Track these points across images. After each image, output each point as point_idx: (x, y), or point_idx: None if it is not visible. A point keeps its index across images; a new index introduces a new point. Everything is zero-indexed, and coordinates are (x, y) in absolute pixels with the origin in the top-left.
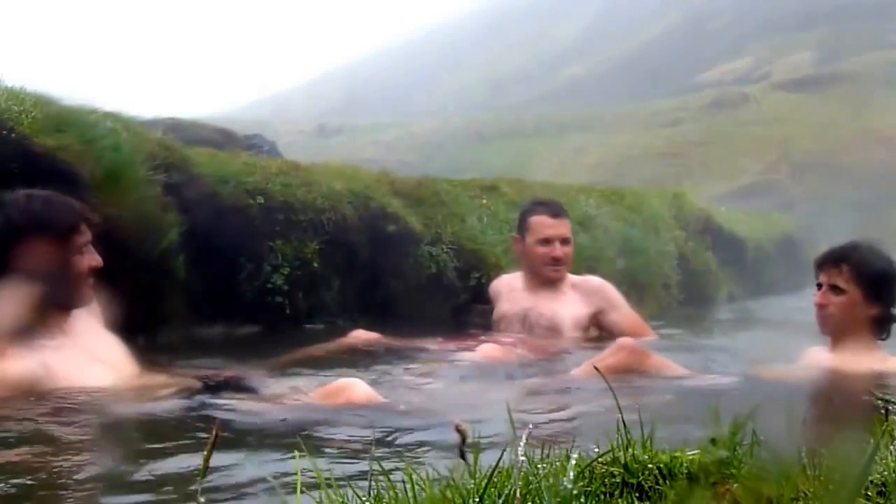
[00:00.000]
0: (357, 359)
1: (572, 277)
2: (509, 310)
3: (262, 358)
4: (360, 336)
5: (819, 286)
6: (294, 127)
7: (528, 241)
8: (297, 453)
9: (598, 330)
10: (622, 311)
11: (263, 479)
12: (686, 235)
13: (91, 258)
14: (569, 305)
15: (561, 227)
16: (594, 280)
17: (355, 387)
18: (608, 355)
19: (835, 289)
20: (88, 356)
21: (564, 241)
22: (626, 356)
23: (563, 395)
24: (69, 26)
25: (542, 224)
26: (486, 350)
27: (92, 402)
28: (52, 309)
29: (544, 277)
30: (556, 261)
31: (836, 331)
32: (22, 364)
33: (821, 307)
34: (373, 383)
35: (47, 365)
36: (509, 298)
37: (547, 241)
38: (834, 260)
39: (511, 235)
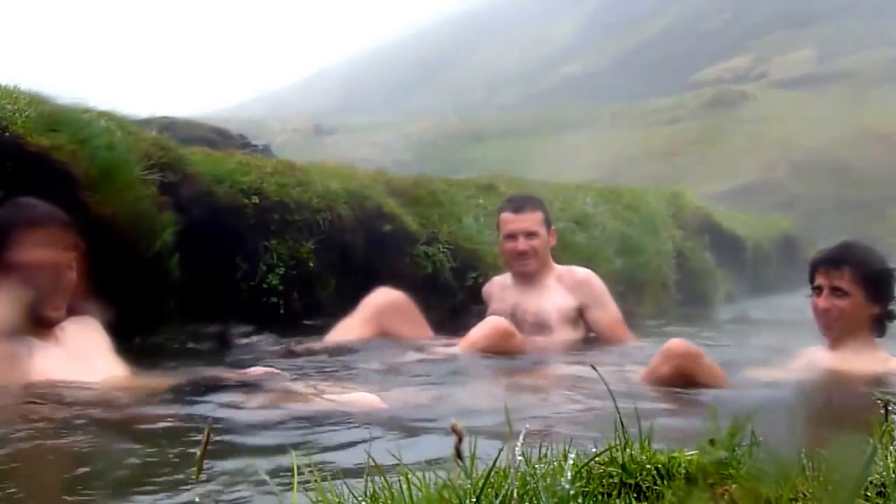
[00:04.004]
0: (357, 356)
1: (558, 268)
2: (497, 308)
3: (258, 358)
4: (384, 296)
5: (817, 288)
6: (289, 126)
7: (500, 238)
8: (293, 453)
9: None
10: (605, 308)
11: (262, 479)
12: (684, 234)
13: (68, 277)
14: (553, 299)
15: (523, 222)
16: (580, 272)
17: (370, 403)
18: (660, 363)
19: (837, 291)
20: (80, 362)
21: (529, 235)
22: (679, 363)
23: (560, 393)
24: (64, 25)
25: (506, 220)
26: (493, 322)
27: (86, 400)
28: (32, 315)
29: (516, 273)
30: (521, 255)
31: (840, 333)
32: (9, 348)
33: (825, 311)
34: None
35: (36, 359)
36: (500, 297)
37: (511, 237)
38: (834, 262)
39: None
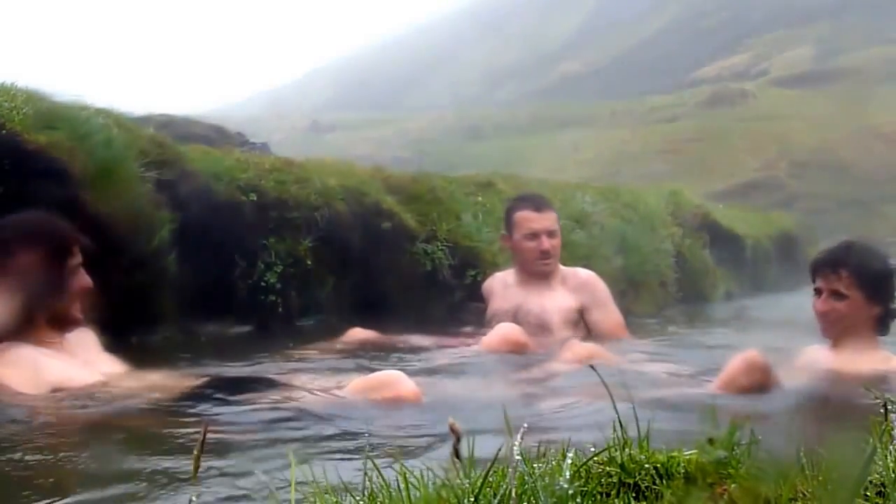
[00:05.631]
0: (356, 356)
1: (563, 270)
2: (501, 307)
3: (255, 356)
4: (358, 334)
5: (817, 291)
6: (287, 123)
7: (515, 237)
8: (291, 453)
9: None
10: (606, 311)
11: (260, 478)
12: (683, 233)
13: (82, 280)
14: (557, 300)
15: (546, 221)
16: (583, 274)
17: (402, 382)
18: (738, 373)
19: (836, 294)
20: (92, 368)
21: (551, 234)
22: (759, 377)
23: (559, 392)
24: (62, 22)
25: (527, 219)
26: (504, 330)
27: (91, 399)
28: (43, 326)
29: (535, 272)
30: (545, 254)
31: (839, 334)
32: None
33: (824, 315)
34: None
35: (55, 365)
36: (502, 296)
37: (533, 236)
38: (832, 264)
39: (501, 233)
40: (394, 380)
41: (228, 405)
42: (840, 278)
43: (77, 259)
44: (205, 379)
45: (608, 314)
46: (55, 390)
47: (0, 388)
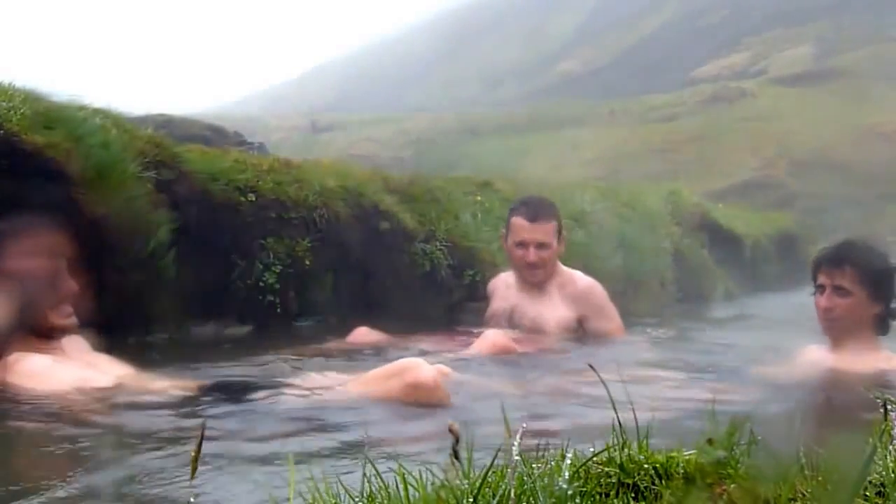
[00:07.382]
0: (361, 356)
1: (562, 274)
2: (499, 307)
3: (254, 357)
4: (364, 335)
5: (820, 287)
6: (286, 122)
7: (508, 241)
8: (289, 454)
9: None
10: (605, 318)
11: (260, 478)
12: (682, 232)
13: (67, 285)
14: (553, 308)
15: (537, 232)
16: (582, 282)
17: (422, 367)
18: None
19: (839, 290)
20: (96, 371)
21: (540, 246)
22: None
23: (557, 392)
24: (60, 22)
25: (520, 227)
26: (491, 337)
27: (93, 401)
28: (30, 332)
29: (523, 278)
30: (530, 265)
31: (841, 332)
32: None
33: (827, 311)
34: None
35: (67, 369)
36: (503, 296)
37: (522, 245)
38: (837, 261)
39: (501, 231)
40: (413, 365)
41: (230, 405)
42: (845, 274)
43: (63, 260)
44: (207, 380)
45: (607, 321)
46: (78, 391)
47: (21, 391)
